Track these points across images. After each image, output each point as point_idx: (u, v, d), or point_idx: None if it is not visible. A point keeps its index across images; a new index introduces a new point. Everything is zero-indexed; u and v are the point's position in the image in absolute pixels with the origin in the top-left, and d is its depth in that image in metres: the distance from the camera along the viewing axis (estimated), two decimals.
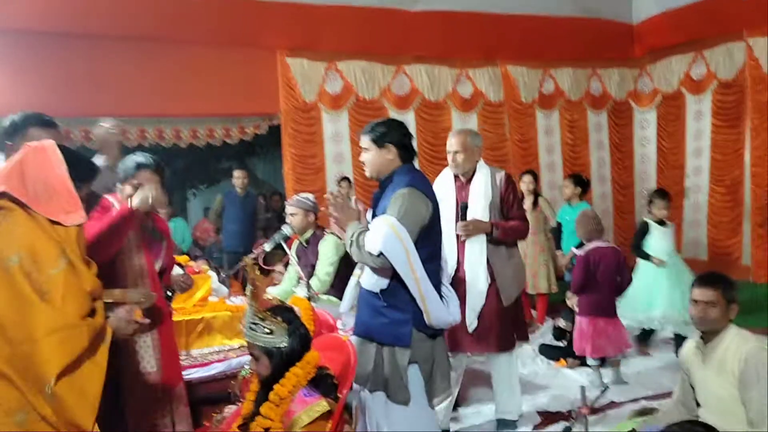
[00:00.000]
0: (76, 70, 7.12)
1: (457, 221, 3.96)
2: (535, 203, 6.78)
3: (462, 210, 3.91)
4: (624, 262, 5.12)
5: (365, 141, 3.03)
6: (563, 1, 9.37)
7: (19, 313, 1.81)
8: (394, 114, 8.91)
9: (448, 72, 9.26)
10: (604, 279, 4.96)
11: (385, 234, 2.74)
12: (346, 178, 8.33)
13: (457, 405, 4.53)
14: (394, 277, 2.82)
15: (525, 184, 6.82)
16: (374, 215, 3.01)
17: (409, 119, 8.99)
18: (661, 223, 5.81)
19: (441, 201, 3.32)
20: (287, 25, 8.08)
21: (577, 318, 5.06)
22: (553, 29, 9.33)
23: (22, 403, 1.82)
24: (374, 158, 3.01)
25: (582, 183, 6.75)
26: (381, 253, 2.74)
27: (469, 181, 4.03)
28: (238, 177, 8.12)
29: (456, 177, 4.07)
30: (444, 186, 4.06)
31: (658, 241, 5.77)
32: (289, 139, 8.42)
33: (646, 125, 10.49)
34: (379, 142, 2.99)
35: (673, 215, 9.96)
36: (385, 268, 2.80)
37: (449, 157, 4.03)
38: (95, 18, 7.02)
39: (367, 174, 3.10)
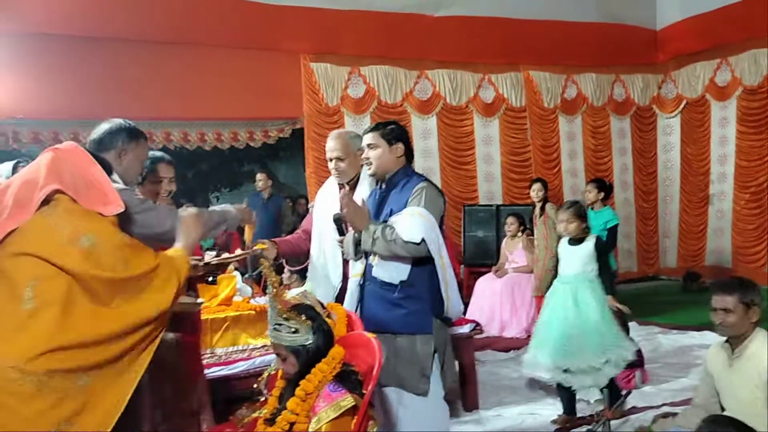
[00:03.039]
0: (102, 73, 7.23)
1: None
2: (542, 210, 6.86)
3: (336, 223, 3.20)
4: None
5: (373, 137, 3.09)
6: (586, 7, 9.38)
7: (108, 285, 1.96)
8: (416, 119, 8.97)
9: (470, 77, 9.28)
10: None
11: (423, 222, 2.86)
12: None
13: (476, 407, 4.56)
14: (414, 267, 2.92)
15: (534, 192, 6.97)
16: (377, 214, 3.07)
17: (431, 124, 9.03)
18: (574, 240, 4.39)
19: (327, 212, 3.36)
20: (311, 29, 8.16)
21: None
22: (576, 35, 9.33)
23: (87, 366, 1.92)
24: (383, 155, 3.08)
25: (605, 188, 6.70)
26: (423, 240, 2.83)
27: (353, 189, 3.45)
28: (259, 179, 8.20)
29: (341, 186, 3.51)
30: (329, 196, 3.53)
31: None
32: (312, 143, 8.47)
33: (669, 131, 10.43)
34: (389, 139, 3.07)
35: (698, 222, 9.94)
36: (412, 257, 2.89)
37: (330, 165, 3.47)
38: (121, 21, 7.16)
39: (371, 171, 3.15)
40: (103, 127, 2.57)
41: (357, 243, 3.09)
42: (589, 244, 4.30)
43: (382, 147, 3.07)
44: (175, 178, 3.30)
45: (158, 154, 3.30)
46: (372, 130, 3.13)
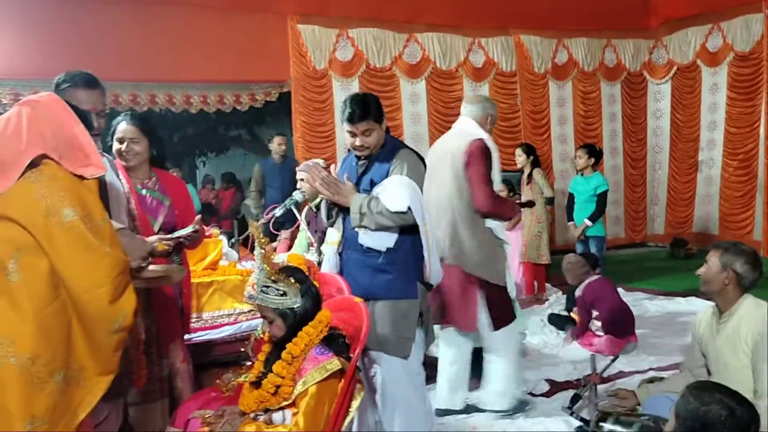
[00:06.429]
0: (87, 32, 7.08)
1: None
2: (529, 176, 6.85)
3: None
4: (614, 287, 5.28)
5: (368, 124, 2.93)
6: None
7: (85, 262, 1.80)
8: (405, 83, 8.86)
9: (460, 40, 9.16)
10: (605, 308, 5.06)
11: (408, 191, 2.86)
12: None
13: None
14: (399, 234, 2.94)
15: (516, 157, 7.05)
16: (358, 184, 3.01)
17: (420, 88, 8.93)
18: None
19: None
20: None
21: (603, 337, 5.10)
22: None
23: (64, 362, 1.78)
24: (379, 136, 2.99)
25: (595, 153, 6.70)
26: (409, 209, 2.84)
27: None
28: (280, 143, 7.52)
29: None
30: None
31: None
32: (300, 107, 8.37)
33: (660, 97, 10.38)
34: (379, 118, 2.98)
35: (686, 189, 9.96)
36: (400, 224, 2.89)
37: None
38: None
39: (365, 153, 3.01)
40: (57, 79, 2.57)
41: (329, 208, 3.10)
42: None
43: (377, 129, 2.97)
44: (139, 140, 3.12)
45: (122, 115, 3.22)
46: (363, 117, 2.92)
